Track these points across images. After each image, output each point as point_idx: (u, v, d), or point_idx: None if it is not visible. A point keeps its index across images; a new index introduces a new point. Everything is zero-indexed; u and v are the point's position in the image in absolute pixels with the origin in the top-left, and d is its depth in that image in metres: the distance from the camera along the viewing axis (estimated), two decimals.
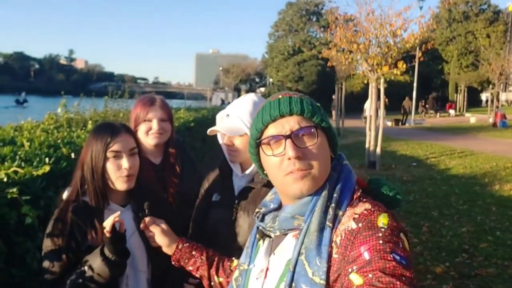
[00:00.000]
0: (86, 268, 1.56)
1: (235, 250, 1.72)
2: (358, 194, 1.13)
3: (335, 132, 1.21)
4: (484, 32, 45.70)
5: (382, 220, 1.03)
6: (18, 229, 1.89)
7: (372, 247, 0.97)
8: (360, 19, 11.56)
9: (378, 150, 10.93)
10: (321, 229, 1.07)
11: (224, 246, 1.80)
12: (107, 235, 1.53)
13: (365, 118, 26.76)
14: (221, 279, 1.54)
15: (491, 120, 24.91)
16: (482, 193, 8.27)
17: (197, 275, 1.57)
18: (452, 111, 36.16)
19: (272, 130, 1.14)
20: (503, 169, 10.40)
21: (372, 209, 1.06)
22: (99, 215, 1.68)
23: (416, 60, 16.88)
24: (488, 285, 4.38)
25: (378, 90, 11.22)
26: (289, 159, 1.10)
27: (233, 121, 1.90)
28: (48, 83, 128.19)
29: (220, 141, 2.06)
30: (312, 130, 1.13)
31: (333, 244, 1.05)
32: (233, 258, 1.59)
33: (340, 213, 1.09)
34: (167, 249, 1.60)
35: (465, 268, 4.79)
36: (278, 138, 1.13)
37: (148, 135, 2.42)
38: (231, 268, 1.55)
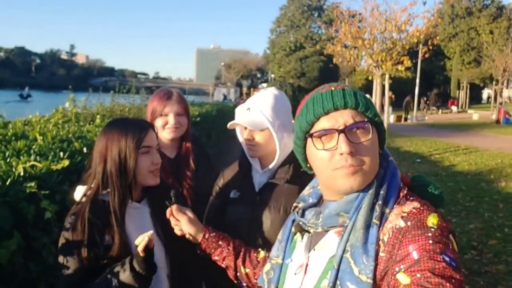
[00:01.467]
0: (114, 278, 1.53)
1: (257, 247, 1.69)
2: (405, 192, 1.10)
3: (385, 128, 1.17)
4: (487, 28, 45.54)
5: (432, 220, 1.00)
6: (36, 224, 1.87)
7: (421, 246, 0.94)
8: (365, 15, 11.55)
9: None
10: (368, 226, 1.04)
11: (246, 243, 1.76)
12: (141, 254, 1.49)
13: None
14: (247, 270, 1.51)
15: (494, 117, 24.84)
16: (488, 190, 8.23)
17: (223, 265, 1.55)
18: (454, 108, 36.13)
19: (324, 123, 1.09)
20: (508, 166, 10.36)
21: (421, 208, 1.03)
22: (121, 213, 1.64)
23: (420, 56, 16.88)
24: (498, 282, 4.35)
25: (383, 86, 11.18)
26: (341, 154, 1.06)
27: (255, 115, 1.85)
28: (49, 78, 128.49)
29: (239, 136, 2.02)
30: (367, 125, 1.09)
31: (380, 242, 1.02)
32: (260, 250, 1.57)
33: (387, 210, 1.06)
34: (194, 238, 1.57)
35: (475, 265, 4.77)
36: (331, 132, 1.08)
37: (165, 129, 2.40)
38: (258, 259, 1.53)
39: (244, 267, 1.52)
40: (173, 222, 1.60)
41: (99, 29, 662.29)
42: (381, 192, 1.08)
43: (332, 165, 1.08)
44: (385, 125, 10.78)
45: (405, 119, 27.61)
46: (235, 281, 1.57)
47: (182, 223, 1.58)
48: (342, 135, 1.06)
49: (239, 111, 1.97)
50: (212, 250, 1.55)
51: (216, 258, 1.55)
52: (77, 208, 1.65)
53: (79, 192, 1.69)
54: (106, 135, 1.68)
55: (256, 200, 1.91)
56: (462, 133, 18.14)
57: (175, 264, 1.78)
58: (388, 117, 11.50)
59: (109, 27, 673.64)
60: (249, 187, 1.98)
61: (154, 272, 1.58)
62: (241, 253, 1.54)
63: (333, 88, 1.13)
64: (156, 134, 1.80)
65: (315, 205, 1.24)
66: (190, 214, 1.60)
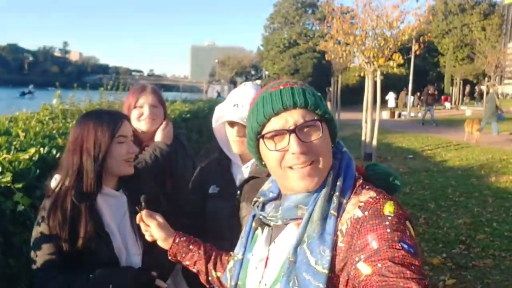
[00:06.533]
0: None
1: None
2: (360, 181, 1.12)
3: (336, 123, 1.18)
4: (479, 25, 45.65)
5: (388, 208, 1.01)
6: (15, 219, 1.86)
7: (379, 235, 0.96)
8: (357, 11, 11.54)
9: (374, 142, 10.92)
10: (325, 217, 1.05)
11: (227, 238, 1.77)
12: None
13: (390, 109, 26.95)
14: (219, 274, 1.50)
15: None
16: (478, 185, 8.29)
17: (194, 270, 1.53)
18: (447, 104, 36.23)
19: (275, 123, 1.10)
20: (499, 161, 10.44)
21: (378, 197, 1.05)
22: (93, 201, 1.71)
23: (412, 52, 16.90)
24: (486, 276, 4.40)
25: (375, 83, 11.19)
26: (293, 153, 1.07)
27: (246, 110, 1.87)
28: (42, 75, 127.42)
29: (217, 133, 2.03)
30: (317, 123, 1.09)
31: (338, 232, 1.03)
32: (231, 253, 1.57)
33: (344, 201, 1.07)
34: (164, 243, 1.56)
35: (463, 259, 4.81)
36: (282, 132, 1.09)
37: (140, 120, 2.41)
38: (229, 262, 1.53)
39: (215, 271, 1.51)
40: (143, 227, 1.60)
41: (93, 26, 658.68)
42: (338, 183, 1.09)
43: (286, 163, 1.09)
44: (377, 121, 10.84)
45: (399, 115, 27.70)
46: (207, 285, 1.56)
47: (152, 228, 1.57)
48: (293, 135, 1.07)
49: (225, 108, 1.98)
50: (183, 255, 1.53)
51: (187, 263, 1.53)
52: (54, 199, 1.68)
53: (55, 181, 1.73)
54: (81, 126, 1.72)
55: (237, 195, 1.93)
56: (454, 129, 18.19)
57: (150, 253, 1.80)
58: (379, 113, 11.47)
59: (103, 24, 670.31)
60: (229, 182, 2.00)
61: None
62: (212, 257, 1.52)
63: (281, 87, 1.12)
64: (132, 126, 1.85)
65: (275, 199, 1.25)
66: (160, 219, 1.59)
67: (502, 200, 7.16)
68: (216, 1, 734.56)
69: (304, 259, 1.03)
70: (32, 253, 1.64)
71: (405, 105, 30.04)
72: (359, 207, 1.04)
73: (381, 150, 12.08)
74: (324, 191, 1.08)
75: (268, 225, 1.22)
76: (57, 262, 1.62)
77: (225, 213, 1.95)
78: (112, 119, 1.74)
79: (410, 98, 30.11)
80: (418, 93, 34.74)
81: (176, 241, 1.55)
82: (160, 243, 1.57)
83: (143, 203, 1.61)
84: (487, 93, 20.11)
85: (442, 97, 38.62)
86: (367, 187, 1.10)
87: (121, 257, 1.73)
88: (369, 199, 1.04)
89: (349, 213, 1.04)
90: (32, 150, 1.92)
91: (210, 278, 1.53)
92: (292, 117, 1.08)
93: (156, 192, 1.97)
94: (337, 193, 1.07)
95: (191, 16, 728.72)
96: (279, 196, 1.23)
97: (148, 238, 1.60)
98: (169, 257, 1.56)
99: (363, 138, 11.50)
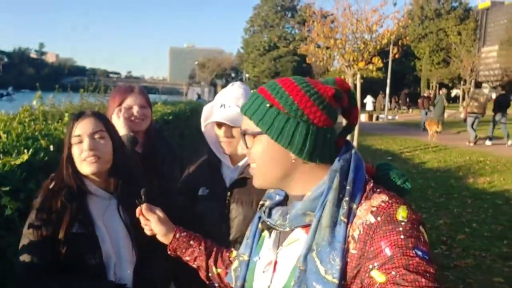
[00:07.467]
0: None
1: (231, 243, 1.68)
2: (371, 185, 1.08)
3: (292, 133, 1.07)
4: (455, 30, 46.74)
5: (402, 213, 0.98)
6: (0, 223, 1.80)
7: (393, 242, 0.93)
8: (337, 15, 11.66)
9: (354, 144, 11.03)
10: (334, 224, 1.02)
11: (217, 239, 1.74)
12: None
13: (368, 112, 27.26)
14: (219, 270, 1.48)
15: (462, 116, 25.48)
16: (457, 186, 8.44)
17: (194, 266, 1.51)
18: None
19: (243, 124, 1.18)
20: (476, 163, 10.64)
21: (390, 201, 1.01)
22: (84, 201, 1.69)
23: (390, 56, 17.16)
24: (467, 275, 4.46)
25: (354, 86, 11.31)
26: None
27: (233, 110, 1.86)
28: (18, 77, 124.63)
29: (207, 134, 2.01)
30: (248, 135, 1.14)
31: (350, 239, 1.00)
32: (232, 249, 1.54)
33: (354, 206, 1.03)
34: (164, 238, 1.53)
35: (444, 260, 4.87)
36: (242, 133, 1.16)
37: (129, 121, 2.34)
38: (230, 259, 1.50)
39: (216, 267, 1.48)
40: (142, 221, 1.56)
41: (70, 27, 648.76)
42: (347, 187, 1.05)
43: None
44: (357, 125, 10.92)
45: (377, 118, 28.06)
46: (207, 282, 1.53)
47: (152, 222, 1.53)
48: (242, 137, 1.16)
49: (212, 109, 1.96)
50: (183, 250, 1.50)
51: (187, 258, 1.51)
52: (41, 201, 1.66)
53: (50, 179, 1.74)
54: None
55: (227, 196, 1.91)
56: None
57: (142, 259, 1.76)
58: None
59: (80, 26, 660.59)
60: (219, 184, 1.97)
61: None
62: (213, 253, 1.50)
63: (254, 91, 1.17)
64: (108, 123, 1.81)
65: (281, 202, 1.21)
66: (160, 214, 1.55)
67: (480, 201, 7.30)
68: (196, 2, 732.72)
69: (313, 268, 1.01)
70: (18, 254, 1.59)
71: (382, 108, 30.46)
72: (372, 212, 1.00)
73: (361, 153, 11.97)
74: (331, 195, 1.04)
75: (275, 229, 1.19)
76: (42, 264, 1.58)
77: (215, 214, 1.93)
78: (71, 120, 1.73)
79: (387, 101, 30.52)
80: (396, 97, 35.31)
81: (177, 236, 1.51)
82: (160, 238, 1.53)
83: (143, 197, 1.57)
84: (463, 97, 20.58)
85: (419, 100, 39.26)
86: (378, 190, 1.06)
87: (109, 263, 1.68)
88: (381, 204, 1.01)
89: (361, 219, 1.01)
90: (25, 156, 1.85)
91: (210, 274, 1.50)
92: (244, 122, 1.15)
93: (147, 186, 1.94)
94: (346, 198, 1.03)
95: (170, 18, 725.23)
96: (285, 199, 1.20)
97: (147, 232, 1.56)
98: (169, 252, 1.53)
99: None
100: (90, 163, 1.68)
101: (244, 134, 1.14)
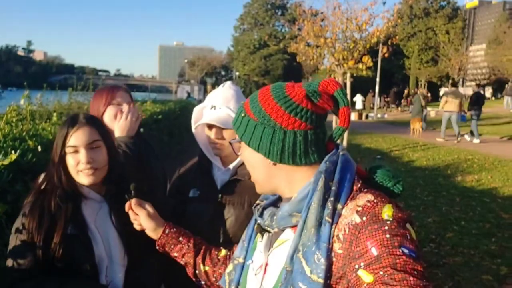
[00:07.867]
0: None
1: (222, 245, 1.67)
2: (359, 185, 1.07)
3: (260, 137, 1.12)
4: (443, 29, 47.13)
5: (387, 212, 0.98)
6: None
7: (379, 242, 0.93)
8: (327, 13, 11.68)
9: (345, 143, 11.09)
10: (319, 224, 1.02)
11: (209, 241, 1.74)
12: None
13: (358, 111, 27.41)
14: (207, 268, 1.47)
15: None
16: (446, 185, 8.51)
17: (182, 262, 1.50)
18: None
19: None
20: (464, 161, 10.74)
21: (375, 201, 1.01)
22: (78, 203, 1.64)
23: (380, 55, 17.26)
24: (456, 273, 4.50)
25: (344, 84, 11.35)
26: None
27: (223, 112, 1.85)
28: (5, 75, 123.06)
29: (198, 135, 2.00)
30: (238, 143, 1.21)
31: (335, 239, 1.00)
32: (221, 248, 1.54)
33: (339, 206, 1.03)
34: (153, 233, 1.52)
35: (433, 257, 4.91)
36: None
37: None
38: (219, 257, 1.49)
39: (204, 265, 1.48)
40: (132, 216, 1.55)
41: (58, 25, 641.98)
42: (333, 188, 1.05)
43: None
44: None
45: (366, 117, 28.20)
46: (194, 279, 1.52)
47: (141, 217, 1.52)
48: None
49: (203, 110, 1.95)
50: (172, 246, 1.50)
51: (175, 254, 1.50)
52: (36, 195, 1.63)
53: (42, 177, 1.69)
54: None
55: (218, 198, 1.90)
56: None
57: (133, 262, 1.74)
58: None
59: (68, 23, 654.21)
60: (210, 185, 1.95)
61: None
62: (202, 251, 1.49)
63: (242, 103, 1.22)
64: (103, 130, 1.73)
65: (276, 201, 1.23)
66: (150, 209, 1.54)
67: (468, 199, 7.37)
68: (186, 0, 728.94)
69: (299, 268, 1.01)
70: (7, 254, 1.56)
71: (372, 106, 30.64)
72: (357, 212, 1.00)
73: (351, 151, 12.20)
74: (316, 196, 1.04)
75: (268, 231, 1.19)
76: (33, 265, 1.55)
77: (206, 216, 1.92)
78: (64, 127, 1.64)
79: (377, 100, 30.71)
80: (385, 95, 35.55)
81: (166, 231, 1.51)
82: (149, 233, 1.52)
83: (132, 191, 1.55)
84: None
85: (408, 98, 39.55)
86: (365, 190, 1.06)
87: (101, 266, 1.66)
88: (366, 203, 1.01)
89: (346, 219, 1.01)
90: (13, 156, 1.82)
91: (197, 272, 1.49)
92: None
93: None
94: (331, 198, 1.03)
95: (159, 16, 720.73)
96: (279, 198, 1.22)
97: (137, 227, 1.54)
98: (157, 247, 1.52)
99: None
100: (87, 175, 1.63)
101: (229, 142, 1.25)
